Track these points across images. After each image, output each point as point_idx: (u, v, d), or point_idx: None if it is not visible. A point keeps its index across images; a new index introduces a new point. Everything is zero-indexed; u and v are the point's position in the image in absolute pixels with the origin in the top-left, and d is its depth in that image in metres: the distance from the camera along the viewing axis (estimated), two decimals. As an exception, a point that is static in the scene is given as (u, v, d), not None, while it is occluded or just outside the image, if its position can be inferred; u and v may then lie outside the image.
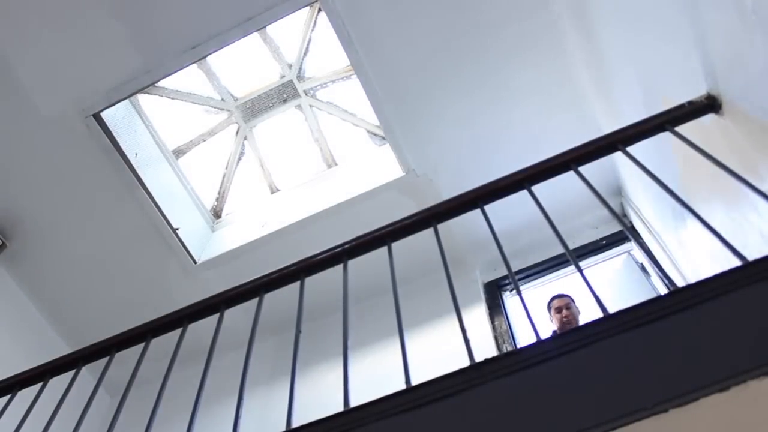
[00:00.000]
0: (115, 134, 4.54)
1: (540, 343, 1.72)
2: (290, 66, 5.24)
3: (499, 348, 4.02)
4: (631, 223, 4.45)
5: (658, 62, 2.85)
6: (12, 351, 4.48)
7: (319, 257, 2.58)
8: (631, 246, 4.40)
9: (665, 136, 2.45)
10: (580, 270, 2.03)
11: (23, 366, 2.92)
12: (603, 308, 1.77)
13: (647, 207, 4.04)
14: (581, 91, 4.27)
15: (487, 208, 2.45)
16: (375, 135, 5.24)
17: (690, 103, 2.40)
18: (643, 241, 4.23)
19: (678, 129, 2.36)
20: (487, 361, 1.74)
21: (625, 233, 2.33)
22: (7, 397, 2.74)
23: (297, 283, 2.53)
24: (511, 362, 1.70)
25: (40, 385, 2.74)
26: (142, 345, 2.62)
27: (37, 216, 4.72)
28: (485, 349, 3.91)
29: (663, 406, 1.44)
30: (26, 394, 2.75)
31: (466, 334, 1.98)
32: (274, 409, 3.94)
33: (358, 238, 2.55)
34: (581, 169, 2.41)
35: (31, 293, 4.93)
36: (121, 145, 4.58)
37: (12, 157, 4.51)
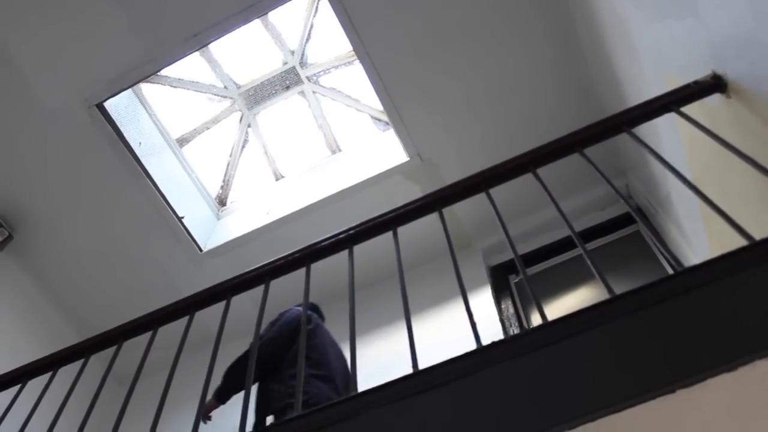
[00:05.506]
0: (118, 124, 4.54)
1: (547, 325, 1.72)
2: (292, 52, 5.22)
3: (506, 331, 4.02)
4: (637, 204, 4.43)
5: (664, 41, 2.83)
6: (21, 342, 4.50)
7: (324, 243, 2.57)
8: (638, 227, 4.38)
9: (671, 118, 2.44)
10: (585, 252, 2.03)
11: (32, 356, 2.93)
12: (610, 289, 1.77)
13: (653, 188, 4.02)
14: (585, 71, 4.25)
15: (492, 191, 2.44)
16: (379, 120, 5.22)
17: (696, 83, 2.38)
18: (650, 222, 4.22)
19: (684, 109, 2.34)
20: (493, 344, 1.74)
21: (632, 214, 2.32)
22: (17, 387, 2.76)
23: (303, 270, 2.53)
24: (518, 345, 1.71)
25: (49, 375, 2.76)
26: (149, 334, 2.63)
27: (43, 207, 4.73)
28: (493, 332, 3.91)
29: (671, 387, 1.44)
30: (35, 384, 2.77)
31: (473, 317, 1.98)
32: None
33: (363, 223, 2.55)
34: (586, 151, 2.40)
35: (39, 284, 4.94)
36: (125, 134, 4.58)
37: (16, 148, 4.52)
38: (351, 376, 1.94)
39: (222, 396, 3.11)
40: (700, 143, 2.45)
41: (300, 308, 3.13)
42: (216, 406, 3.12)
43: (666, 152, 2.71)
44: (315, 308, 3.61)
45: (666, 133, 3.11)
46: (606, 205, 4.51)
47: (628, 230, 4.46)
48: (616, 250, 4.40)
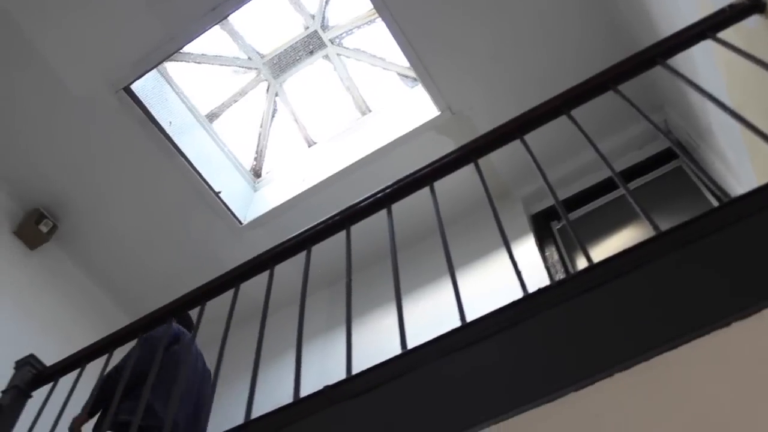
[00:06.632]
0: (147, 105, 4.56)
1: (593, 268, 1.70)
2: (313, 16, 5.17)
3: (551, 278, 3.99)
4: (677, 138, 4.33)
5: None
6: (75, 327, 4.61)
7: (362, 204, 2.57)
8: (679, 162, 4.28)
9: (706, 46, 2.35)
10: (628, 191, 1.99)
11: (87, 340, 3.01)
12: (655, 226, 1.74)
13: (693, 121, 3.92)
14: (613, 5, 4.12)
15: (527, 137, 2.40)
16: (406, 77, 5.16)
17: (731, 6, 2.29)
18: (691, 156, 4.11)
19: (720, 35, 2.26)
20: (539, 291, 1.72)
21: (673, 149, 2.26)
22: (77, 371, 2.84)
23: (343, 234, 2.53)
24: (565, 290, 1.69)
25: (106, 356, 2.82)
26: (197, 309, 2.67)
27: (83, 194, 4.80)
28: (539, 281, 3.89)
29: (726, 320, 1.41)
30: (94, 367, 2.85)
31: (517, 266, 1.96)
32: (333, 359, 4.01)
33: (399, 181, 2.54)
34: (621, 88, 2.33)
35: (87, 270, 5.05)
36: (155, 115, 4.60)
37: (51, 140, 4.57)
38: (399, 334, 1.94)
39: (92, 410, 3.00)
40: (739, 69, 2.37)
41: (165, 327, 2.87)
42: (87, 420, 3.04)
43: (704, 82, 2.63)
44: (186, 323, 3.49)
45: (702, 62, 3.01)
46: (644, 142, 4.41)
47: (669, 167, 4.36)
48: (658, 189, 4.31)
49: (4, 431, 2.71)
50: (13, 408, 2.79)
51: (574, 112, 2.37)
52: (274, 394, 2.33)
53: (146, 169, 4.74)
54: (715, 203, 3.76)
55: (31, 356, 2.96)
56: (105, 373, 2.77)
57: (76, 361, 2.91)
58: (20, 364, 2.93)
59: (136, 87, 4.48)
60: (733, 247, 1.55)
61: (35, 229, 4.63)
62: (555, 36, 4.29)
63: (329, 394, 1.85)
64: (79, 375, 2.79)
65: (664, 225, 1.71)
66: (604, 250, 4.12)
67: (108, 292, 5.13)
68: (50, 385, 2.85)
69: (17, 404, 2.81)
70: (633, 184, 4.27)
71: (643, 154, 4.42)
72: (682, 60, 2.53)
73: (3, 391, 2.87)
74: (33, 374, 2.90)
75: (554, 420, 1.52)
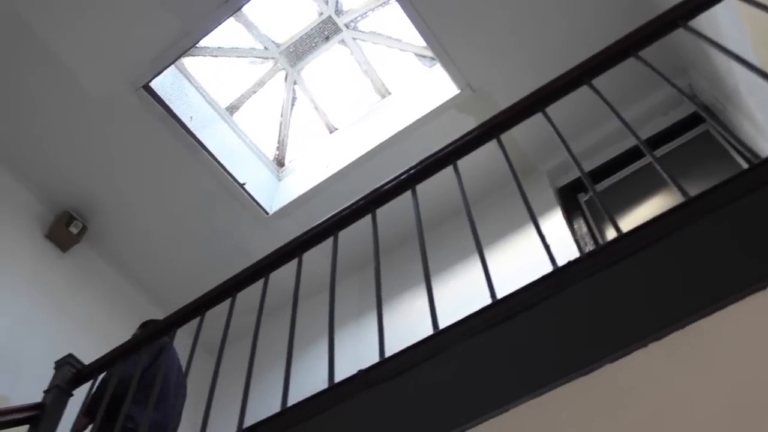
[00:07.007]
0: (167, 102, 4.59)
1: (622, 237, 1.67)
2: (327, 2, 5.14)
3: (581, 251, 3.96)
4: (702, 102, 4.24)
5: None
6: (112, 324, 4.68)
7: (386, 187, 2.56)
8: (706, 126, 4.20)
9: (730, 5, 2.30)
10: (654, 158, 1.95)
11: (123, 337, 3.05)
12: (684, 192, 1.70)
13: (718, 83, 3.84)
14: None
15: (549, 110, 2.37)
16: (424, 57, 5.12)
17: (753, -39, 2.23)
18: (719, 119, 4.03)
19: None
20: (569, 264, 1.71)
21: (699, 113, 2.22)
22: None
23: (369, 218, 2.53)
24: (595, 261, 1.67)
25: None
26: (229, 301, 2.69)
27: (110, 194, 4.86)
28: (569, 254, 3.85)
29: (761, 284, 1.39)
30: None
31: (545, 240, 1.94)
32: (366, 344, 4.03)
33: (422, 161, 2.52)
34: (642, 53, 2.29)
35: (119, 268, 5.12)
36: (175, 111, 4.63)
37: (74, 143, 4.63)
38: (431, 315, 1.93)
39: (92, 414, 2.98)
40: (765, 26, 2.31)
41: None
42: (88, 424, 3.03)
43: (728, 42, 2.57)
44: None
45: (726, 21, 2.94)
46: (669, 108, 4.33)
47: (696, 131, 4.28)
48: (686, 154, 4.24)
49: (49, 430, 2.77)
50: (56, 407, 2.85)
51: (596, 82, 2.33)
52: (310, 381, 2.35)
53: (170, 165, 4.78)
54: (745, 166, 3.69)
55: (70, 356, 3.01)
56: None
57: (113, 359, 2.95)
58: (60, 364, 2.99)
59: (155, 84, 4.50)
60: (765, 209, 1.52)
61: (66, 231, 4.70)
62: (572, 5, 4.22)
63: (363, 378, 1.85)
64: (117, 371, 2.83)
65: (694, 191, 1.68)
66: (633, 219, 4.07)
67: (140, 288, 5.20)
68: (90, 383, 2.90)
69: (59, 403, 2.87)
70: (660, 152, 4.20)
71: (668, 120, 4.34)
72: (704, 20, 2.47)
73: (45, 391, 2.93)
74: (73, 373, 2.95)
75: (591, 393, 1.51)
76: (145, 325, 3.73)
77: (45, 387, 2.95)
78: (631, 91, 3.90)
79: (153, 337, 2.92)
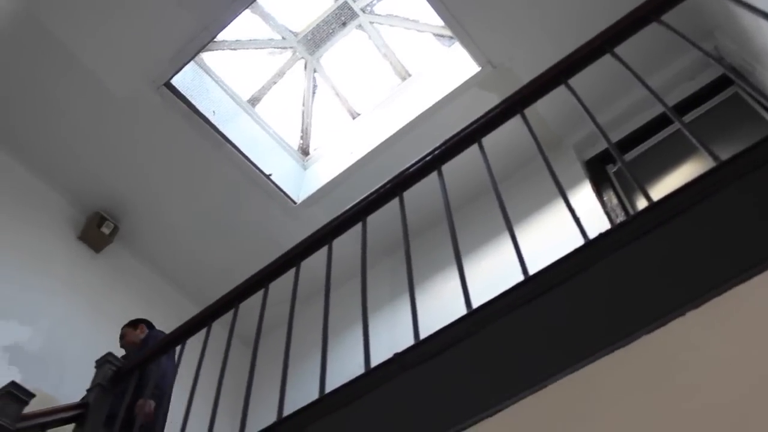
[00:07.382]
0: (189, 98, 4.61)
1: (653, 207, 1.65)
2: (341, -13, 5.12)
3: (612, 222, 3.91)
4: (730, 64, 4.15)
5: None
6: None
7: (412, 169, 2.56)
8: (735, 88, 4.10)
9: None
10: (683, 124, 1.92)
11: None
12: (715, 156, 1.67)
13: (746, 43, 3.75)
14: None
15: (572, 82, 2.33)
16: (442, 36, 5.07)
17: None
18: (748, 80, 3.94)
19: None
20: (600, 236, 1.69)
21: (727, 75, 2.17)
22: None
23: (397, 202, 2.52)
24: (626, 232, 1.65)
25: (179, 347, 2.90)
26: (261, 292, 2.70)
27: (139, 193, 4.91)
28: (600, 227, 3.81)
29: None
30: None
31: (575, 213, 1.92)
32: (401, 327, 4.02)
33: (447, 141, 2.51)
34: (665, 18, 2.24)
35: (152, 265, 5.18)
36: (198, 106, 4.65)
37: (100, 144, 4.67)
38: (463, 295, 1.93)
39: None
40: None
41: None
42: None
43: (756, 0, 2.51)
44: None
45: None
46: (696, 72, 4.24)
47: (724, 94, 4.18)
48: (715, 119, 4.15)
49: (94, 427, 2.82)
50: (99, 405, 2.90)
51: (618, 50, 2.29)
52: (347, 367, 2.35)
53: (196, 161, 4.81)
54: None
55: (109, 354, 3.07)
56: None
57: (151, 356, 3.00)
58: (100, 363, 3.04)
59: (176, 81, 4.53)
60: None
61: (98, 232, 4.77)
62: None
63: (399, 361, 1.85)
64: (157, 367, 2.88)
65: (725, 155, 1.64)
66: (664, 188, 4.00)
67: (174, 284, 5.26)
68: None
69: (102, 401, 2.92)
70: (688, 117, 4.12)
71: (696, 85, 4.25)
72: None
73: (88, 390, 2.99)
74: (113, 371, 3.00)
75: (630, 365, 1.49)
76: (135, 324, 3.81)
77: (87, 386, 3.01)
78: (656, 57, 3.83)
79: (192, 330, 2.95)
